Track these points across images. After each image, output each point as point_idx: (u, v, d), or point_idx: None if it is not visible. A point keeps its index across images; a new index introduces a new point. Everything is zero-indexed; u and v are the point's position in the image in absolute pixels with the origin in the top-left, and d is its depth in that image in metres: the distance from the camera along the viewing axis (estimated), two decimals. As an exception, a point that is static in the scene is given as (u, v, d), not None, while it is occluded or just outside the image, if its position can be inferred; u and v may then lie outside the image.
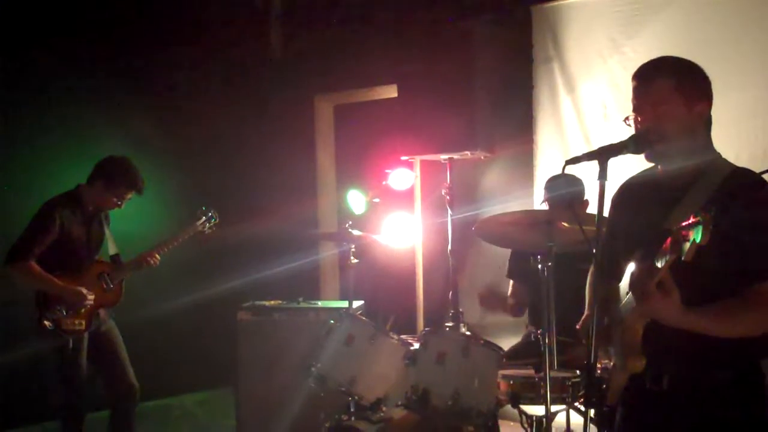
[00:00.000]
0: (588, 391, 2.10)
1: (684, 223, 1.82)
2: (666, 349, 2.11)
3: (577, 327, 2.64)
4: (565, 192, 3.95)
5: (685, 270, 1.88)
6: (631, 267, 2.11)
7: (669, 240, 1.87)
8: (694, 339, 2.03)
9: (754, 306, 2.05)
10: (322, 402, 4.25)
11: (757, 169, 2.26)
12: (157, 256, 4.46)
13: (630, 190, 2.45)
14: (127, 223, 4.81)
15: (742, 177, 2.19)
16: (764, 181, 2.20)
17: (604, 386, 2.16)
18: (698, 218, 1.77)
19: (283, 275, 5.60)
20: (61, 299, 4.14)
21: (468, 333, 3.92)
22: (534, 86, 5.51)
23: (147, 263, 4.43)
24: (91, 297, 4.21)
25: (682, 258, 1.83)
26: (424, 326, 6.23)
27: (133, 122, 6.25)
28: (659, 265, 1.93)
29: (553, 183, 4.20)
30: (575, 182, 4.06)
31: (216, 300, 5.66)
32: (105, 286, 4.35)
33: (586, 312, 2.79)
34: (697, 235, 1.76)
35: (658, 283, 1.92)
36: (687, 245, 1.80)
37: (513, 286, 4.41)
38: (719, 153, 2.29)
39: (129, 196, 4.34)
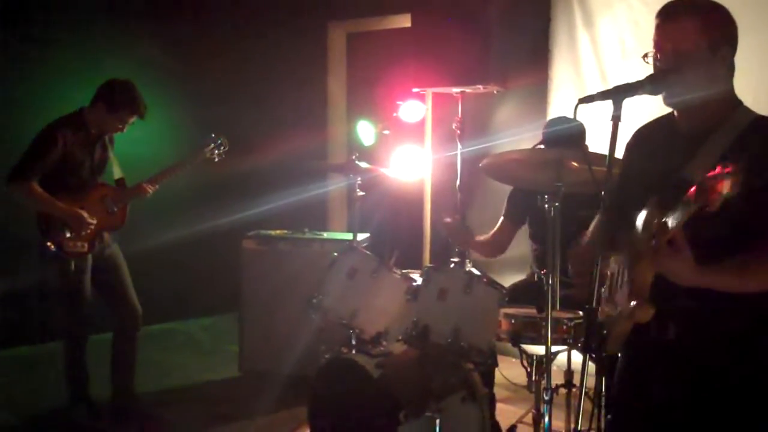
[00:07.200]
0: (587, 337, 2.06)
1: (711, 174, 1.75)
2: (674, 297, 2.05)
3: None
4: (561, 129, 3.84)
5: (707, 221, 1.81)
6: (643, 214, 2.03)
7: (694, 188, 1.80)
8: (704, 288, 1.97)
9: None
10: (323, 333, 4.26)
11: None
12: (155, 185, 4.40)
13: (645, 135, 2.35)
14: (133, 146, 4.75)
15: (765, 126, 2.09)
16: None
17: (605, 332, 2.10)
18: (727, 167, 1.70)
19: (292, 206, 5.57)
20: (63, 221, 4.12)
21: (472, 270, 3.87)
22: (551, 19, 5.37)
23: (146, 191, 4.37)
24: (92, 220, 4.18)
25: (708, 208, 1.76)
26: (430, 261, 6.22)
27: (140, 46, 6.14)
28: (678, 214, 1.86)
29: (552, 123, 4.07)
30: (575, 124, 3.89)
31: (223, 228, 5.65)
32: (108, 209, 4.32)
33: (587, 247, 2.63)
34: (725, 186, 1.69)
35: (669, 240, 1.86)
36: (715, 195, 1.73)
37: (502, 224, 4.24)
38: (741, 100, 2.18)
39: (131, 119, 4.26)
